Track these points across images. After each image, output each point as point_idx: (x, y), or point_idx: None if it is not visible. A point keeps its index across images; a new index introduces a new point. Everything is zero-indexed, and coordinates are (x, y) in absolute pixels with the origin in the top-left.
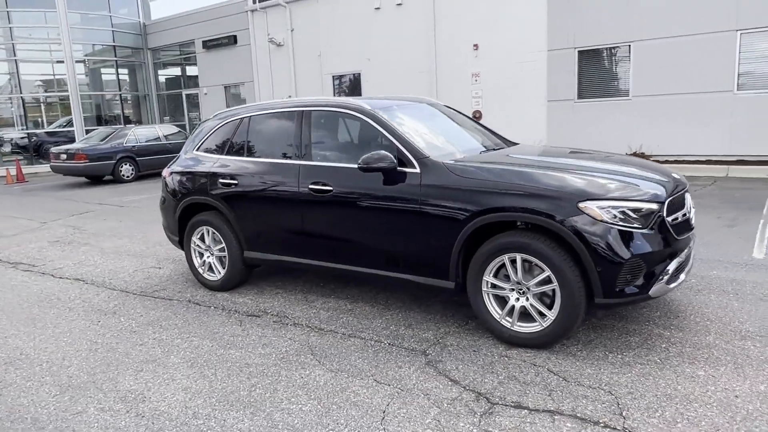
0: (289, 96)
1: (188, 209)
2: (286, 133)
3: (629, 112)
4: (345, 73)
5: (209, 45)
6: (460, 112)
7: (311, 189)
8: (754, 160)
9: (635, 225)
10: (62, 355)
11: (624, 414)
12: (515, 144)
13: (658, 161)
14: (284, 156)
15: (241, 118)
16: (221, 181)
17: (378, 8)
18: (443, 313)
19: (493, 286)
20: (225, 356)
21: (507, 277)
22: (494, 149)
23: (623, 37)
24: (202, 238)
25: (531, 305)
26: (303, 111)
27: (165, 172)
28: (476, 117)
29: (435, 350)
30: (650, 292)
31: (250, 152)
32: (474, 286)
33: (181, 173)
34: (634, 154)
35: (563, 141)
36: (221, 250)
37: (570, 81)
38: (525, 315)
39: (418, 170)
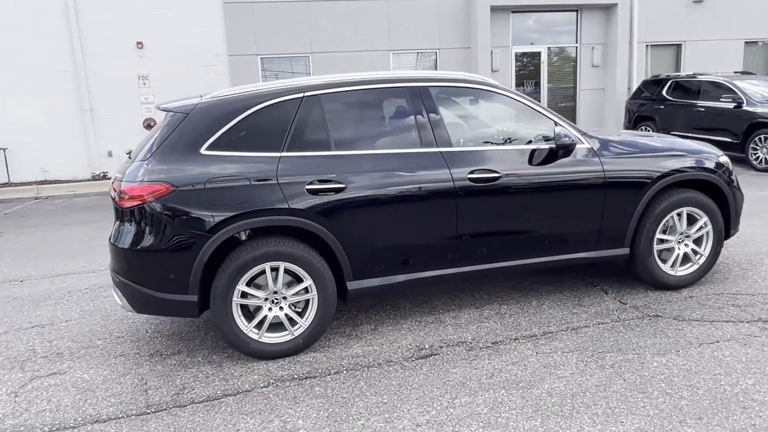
0: None
1: (226, 243)
2: (396, 115)
3: None
4: None
5: None
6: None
7: (471, 179)
8: None
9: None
10: None
11: None
12: None
13: None
14: (407, 143)
15: (300, 99)
16: (311, 187)
17: None
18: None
19: (660, 241)
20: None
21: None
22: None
23: (303, 48)
24: (257, 284)
25: (691, 250)
26: (418, 87)
27: (140, 189)
28: (149, 125)
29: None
30: None
31: (342, 143)
32: (647, 249)
33: (206, 188)
34: None
35: None
36: (303, 291)
37: None
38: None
39: (587, 145)
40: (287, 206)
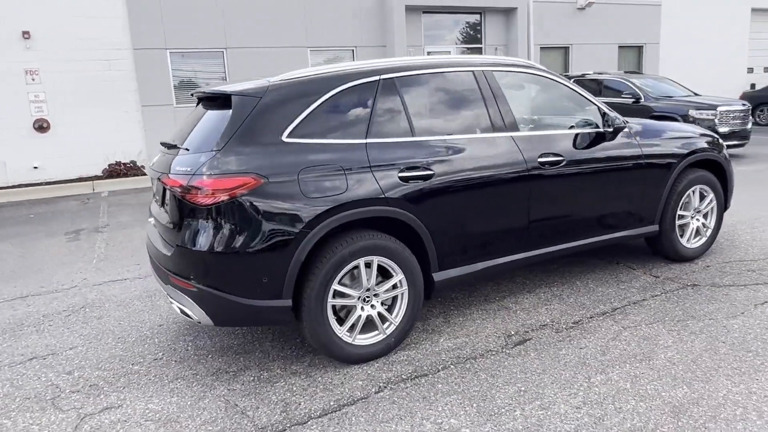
0: None
1: (324, 238)
2: (466, 99)
3: None
4: None
5: None
6: None
7: (540, 162)
8: None
9: None
10: None
11: None
12: None
13: None
14: (480, 128)
15: (378, 81)
16: (403, 175)
17: None
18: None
19: (680, 216)
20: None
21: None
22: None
23: (217, 42)
24: (347, 282)
25: (702, 224)
26: (484, 72)
27: (226, 182)
28: (41, 127)
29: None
30: None
31: (421, 128)
32: (671, 224)
33: (299, 179)
34: None
35: None
36: (393, 287)
37: (166, 84)
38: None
39: (628, 128)
40: (383, 196)
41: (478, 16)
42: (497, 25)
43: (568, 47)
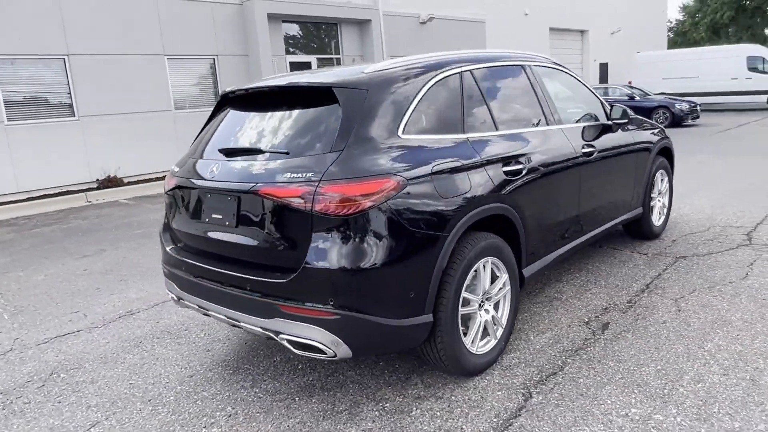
0: None
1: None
2: (518, 92)
3: (82, 133)
4: None
5: None
6: None
7: (583, 153)
8: None
9: None
10: None
11: None
12: None
13: (130, 183)
14: (539, 121)
15: (460, 74)
16: (506, 169)
17: None
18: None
19: (650, 198)
20: None
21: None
22: None
23: (57, 48)
24: (468, 287)
25: (663, 204)
26: (529, 66)
27: (369, 186)
28: None
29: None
30: None
31: (501, 122)
32: (648, 206)
33: (432, 179)
34: (107, 179)
35: (5, 171)
36: (502, 287)
37: None
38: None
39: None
40: (497, 193)
41: (333, 28)
42: (353, 36)
43: None
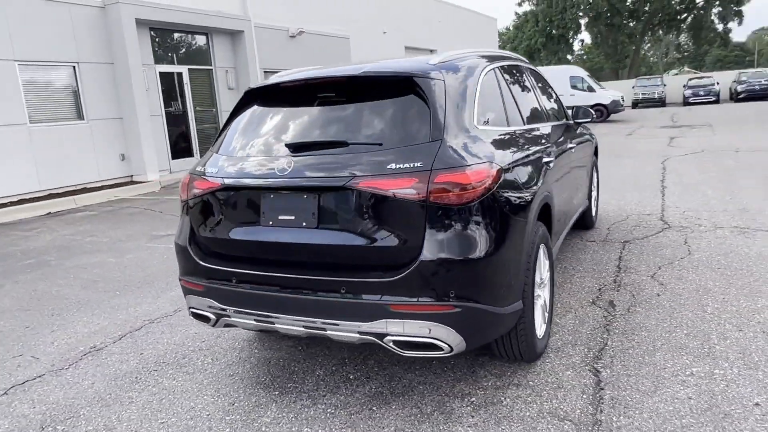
0: None
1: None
2: (533, 89)
3: None
4: None
5: None
6: None
7: (569, 147)
8: (64, 191)
9: None
10: None
11: None
12: None
13: None
14: (539, 118)
15: (493, 69)
16: (546, 159)
17: None
18: None
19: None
20: None
21: None
22: None
23: None
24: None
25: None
26: (529, 67)
27: (481, 174)
28: None
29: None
30: None
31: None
32: (591, 198)
33: (514, 167)
34: None
35: None
36: (548, 270)
37: None
38: None
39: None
40: (546, 181)
41: (205, 37)
42: (225, 47)
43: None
